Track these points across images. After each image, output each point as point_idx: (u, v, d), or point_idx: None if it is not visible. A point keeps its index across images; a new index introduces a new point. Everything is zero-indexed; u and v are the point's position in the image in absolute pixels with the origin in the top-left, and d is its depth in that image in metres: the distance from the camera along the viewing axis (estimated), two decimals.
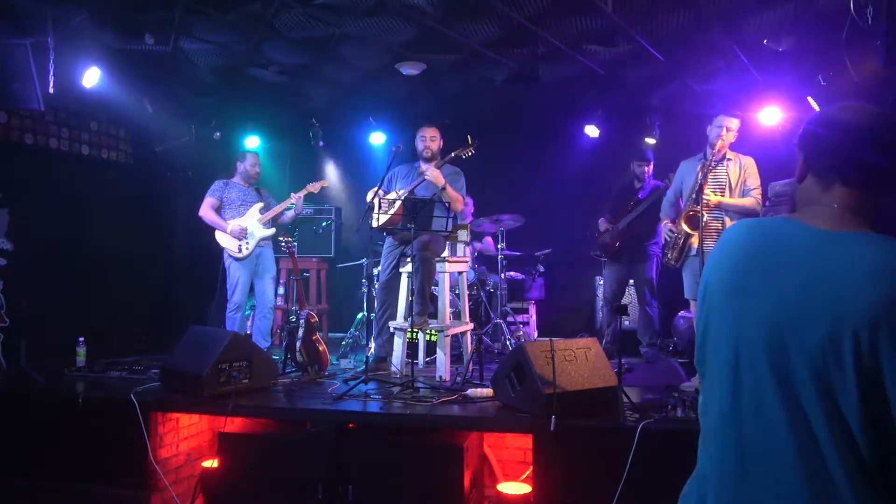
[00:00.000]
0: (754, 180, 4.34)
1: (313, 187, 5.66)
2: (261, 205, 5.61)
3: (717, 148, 4.27)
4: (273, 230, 5.61)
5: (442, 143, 5.04)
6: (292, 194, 5.56)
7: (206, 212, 5.53)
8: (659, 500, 2.95)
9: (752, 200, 4.29)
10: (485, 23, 4.51)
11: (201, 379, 3.71)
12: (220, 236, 5.50)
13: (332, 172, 7.77)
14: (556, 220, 6.72)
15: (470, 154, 4.86)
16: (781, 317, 1.16)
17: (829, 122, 1.27)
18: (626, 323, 6.00)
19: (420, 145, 4.98)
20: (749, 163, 4.38)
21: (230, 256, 5.49)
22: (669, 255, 4.43)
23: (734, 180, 4.31)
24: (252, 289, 5.63)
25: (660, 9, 4.29)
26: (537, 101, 6.49)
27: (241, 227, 5.47)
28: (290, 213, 5.63)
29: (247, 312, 5.82)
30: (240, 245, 5.45)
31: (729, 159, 4.35)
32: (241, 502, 3.72)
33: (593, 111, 6.60)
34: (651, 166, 5.76)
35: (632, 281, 5.78)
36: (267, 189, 5.93)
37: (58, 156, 5.52)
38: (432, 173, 4.71)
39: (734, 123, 4.33)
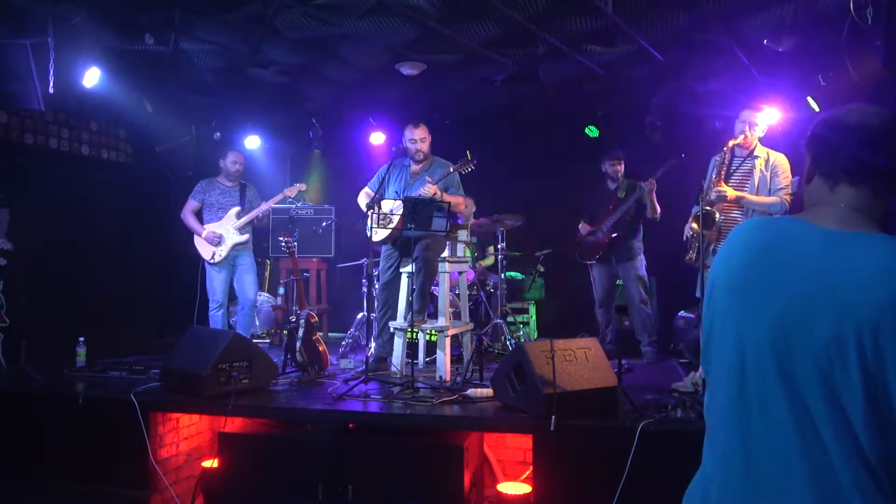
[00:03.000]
0: (783, 179, 4.20)
1: (290, 191, 5.67)
2: (237, 209, 5.61)
3: (730, 144, 4.22)
4: (248, 236, 5.63)
5: (431, 139, 4.95)
6: (263, 202, 5.64)
7: (185, 215, 5.60)
8: (659, 500, 2.96)
9: (776, 200, 4.15)
10: (485, 23, 4.50)
11: (201, 379, 3.71)
12: (196, 241, 5.56)
13: (331, 172, 7.77)
14: (556, 220, 6.70)
15: (470, 169, 4.76)
16: (787, 316, 1.16)
17: (836, 124, 1.28)
18: (626, 323, 5.96)
19: (411, 147, 4.88)
20: (780, 161, 4.23)
21: (205, 261, 5.57)
22: (692, 253, 4.35)
23: (757, 177, 4.21)
24: (233, 288, 5.70)
25: (660, 9, 4.29)
26: (537, 101, 6.49)
27: (214, 234, 5.50)
28: (263, 209, 5.66)
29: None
30: (213, 252, 5.51)
31: (757, 156, 4.25)
32: (241, 502, 3.72)
33: (593, 111, 6.60)
34: (623, 164, 5.68)
35: (620, 282, 5.75)
36: (263, 188, 5.93)
37: (58, 156, 5.52)
38: (428, 191, 4.60)
39: (759, 118, 4.21)
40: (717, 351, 1.30)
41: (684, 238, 4.51)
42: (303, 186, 5.79)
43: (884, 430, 1.06)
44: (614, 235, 5.51)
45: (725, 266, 1.31)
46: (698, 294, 4.38)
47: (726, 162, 4.25)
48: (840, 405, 1.08)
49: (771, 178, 4.22)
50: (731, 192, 4.15)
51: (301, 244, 6.04)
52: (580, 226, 5.78)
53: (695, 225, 4.24)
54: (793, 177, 4.30)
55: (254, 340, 5.47)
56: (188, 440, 4.20)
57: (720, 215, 4.16)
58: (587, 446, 3.27)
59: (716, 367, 1.31)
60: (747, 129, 4.20)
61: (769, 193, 4.21)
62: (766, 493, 1.16)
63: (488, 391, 3.79)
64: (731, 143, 4.23)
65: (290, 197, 5.71)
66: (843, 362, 1.08)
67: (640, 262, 5.54)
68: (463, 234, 5.15)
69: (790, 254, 1.21)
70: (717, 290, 1.31)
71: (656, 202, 5.34)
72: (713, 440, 1.29)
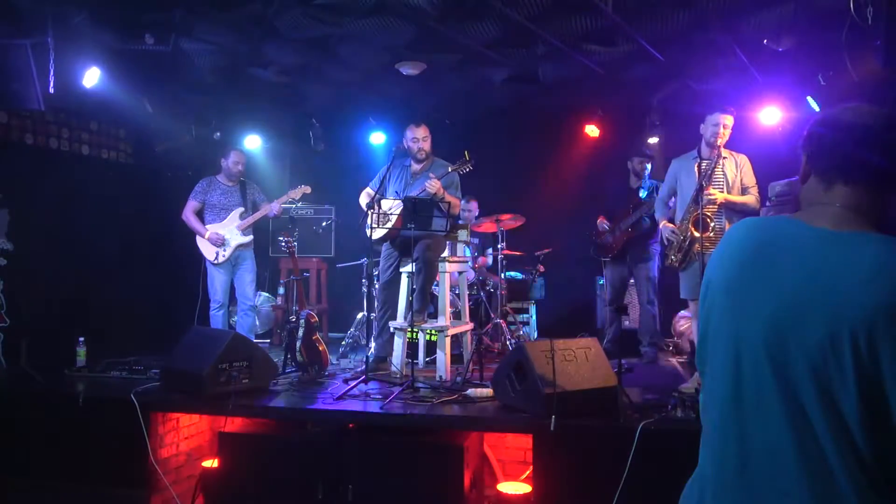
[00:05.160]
0: (751, 178, 4.34)
1: (294, 193, 5.66)
2: (241, 210, 5.62)
3: (720, 144, 4.24)
4: (251, 237, 5.64)
5: (432, 139, 4.95)
6: (272, 203, 5.62)
7: (186, 215, 5.58)
8: (659, 500, 2.95)
9: (752, 198, 4.30)
10: (485, 23, 4.50)
11: (201, 379, 3.71)
12: (199, 241, 5.56)
13: (331, 172, 7.76)
14: (556, 220, 6.71)
15: (468, 170, 4.76)
16: (782, 315, 1.16)
17: (831, 123, 1.27)
18: (626, 323, 5.97)
19: (413, 147, 4.88)
20: (744, 161, 4.36)
21: (208, 261, 5.56)
22: (673, 258, 4.36)
23: (731, 178, 4.29)
24: (233, 288, 5.70)
25: (660, 9, 4.29)
26: (537, 101, 6.49)
27: (218, 235, 5.49)
28: (273, 211, 5.64)
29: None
30: (217, 252, 5.50)
31: (724, 157, 4.32)
32: (241, 502, 3.72)
33: (593, 111, 6.60)
34: (651, 164, 5.70)
35: (632, 280, 5.76)
36: (263, 188, 5.93)
37: (58, 156, 5.52)
38: (433, 186, 4.58)
39: (730, 120, 4.29)
40: (712, 351, 1.30)
41: (665, 242, 4.53)
42: (307, 189, 5.76)
43: (879, 430, 1.06)
44: (631, 236, 5.51)
45: (720, 266, 1.31)
46: (683, 295, 4.39)
47: (712, 165, 4.26)
48: (835, 405, 1.08)
49: (741, 177, 4.32)
50: (719, 196, 4.19)
51: (301, 244, 6.05)
52: (598, 221, 5.77)
53: (693, 230, 4.23)
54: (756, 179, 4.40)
55: (254, 340, 5.48)
56: (188, 440, 4.20)
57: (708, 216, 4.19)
58: (587, 446, 3.27)
59: (711, 366, 1.30)
60: (722, 130, 4.24)
61: (741, 193, 4.31)
62: (762, 493, 1.16)
63: (488, 391, 3.80)
64: (720, 144, 4.25)
65: (294, 199, 5.71)
66: (838, 362, 1.07)
67: (654, 264, 5.56)
68: (463, 234, 5.15)
69: (785, 254, 1.21)
70: (712, 290, 1.31)
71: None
72: (709, 440, 1.28)
